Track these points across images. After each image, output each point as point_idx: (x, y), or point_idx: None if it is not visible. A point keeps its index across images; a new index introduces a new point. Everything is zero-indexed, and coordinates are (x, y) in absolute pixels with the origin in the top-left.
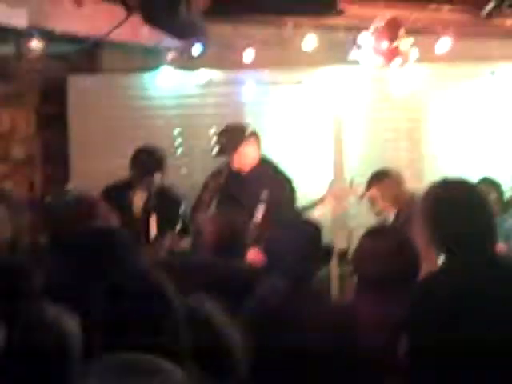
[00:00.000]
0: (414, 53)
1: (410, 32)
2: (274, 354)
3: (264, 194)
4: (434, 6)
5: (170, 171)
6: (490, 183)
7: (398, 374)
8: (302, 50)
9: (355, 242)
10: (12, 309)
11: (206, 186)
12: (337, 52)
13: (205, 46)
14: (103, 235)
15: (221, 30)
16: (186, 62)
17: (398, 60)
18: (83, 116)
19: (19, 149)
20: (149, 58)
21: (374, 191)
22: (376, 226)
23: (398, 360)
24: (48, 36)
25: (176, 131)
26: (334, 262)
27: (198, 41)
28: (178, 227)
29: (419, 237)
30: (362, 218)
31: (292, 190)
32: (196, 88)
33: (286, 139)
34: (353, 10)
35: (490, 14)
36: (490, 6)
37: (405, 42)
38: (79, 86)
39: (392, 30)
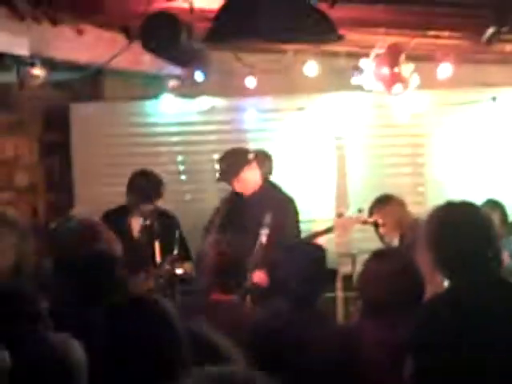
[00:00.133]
0: (415, 79)
1: (411, 58)
2: (276, 375)
3: (268, 217)
4: (433, 32)
5: (173, 197)
6: (493, 205)
7: None
8: (304, 76)
9: (359, 267)
10: (17, 334)
11: (217, 210)
12: (338, 78)
13: (206, 73)
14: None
15: (222, 57)
16: (188, 90)
17: (398, 86)
18: (86, 143)
19: (22, 176)
20: (150, 86)
21: (377, 216)
22: (380, 249)
23: (403, 382)
24: (50, 64)
25: (179, 158)
26: (338, 286)
27: (199, 68)
28: (176, 251)
29: (423, 260)
30: (366, 243)
31: (296, 212)
32: (198, 115)
33: (289, 165)
34: (353, 37)
35: (489, 40)
36: (490, 31)
37: (406, 68)
38: (81, 114)
39: (393, 56)
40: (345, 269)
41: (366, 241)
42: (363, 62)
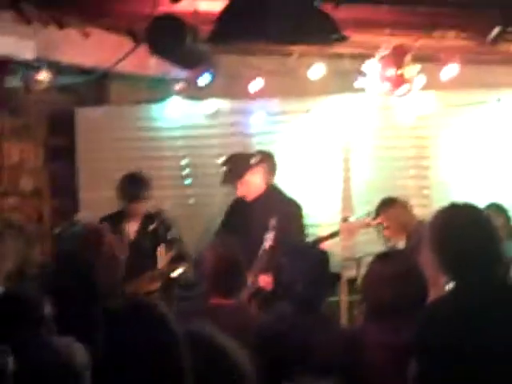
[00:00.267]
0: (421, 80)
1: (416, 59)
2: (279, 378)
3: (273, 221)
4: (439, 32)
5: (178, 201)
6: (497, 209)
7: None
8: (309, 79)
9: (364, 270)
10: (21, 338)
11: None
12: (344, 81)
13: (213, 75)
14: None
15: (228, 60)
16: (194, 93)
17: (404, 87)
18: (91, 148)
19: (28, 181)
20: (156, 89)
21: (382, 219)
22: (384, 251)
23: None
24: (56, 68)
25: (184, 161)
26: (343, 290)
27: (205, 71)
28: (173, 252)
29: (427, 262)
30: (371, 246)
31: (301, 216)
32: (204, 118)
33: (294, 168)
34: (358, 38)
35: (495, 40)
36: (495, 31)
37: (411, 69)
38: (87, 118)
39: (398, 57)
40: (349, 272)
41: (371, 244)
42: (368, 64)
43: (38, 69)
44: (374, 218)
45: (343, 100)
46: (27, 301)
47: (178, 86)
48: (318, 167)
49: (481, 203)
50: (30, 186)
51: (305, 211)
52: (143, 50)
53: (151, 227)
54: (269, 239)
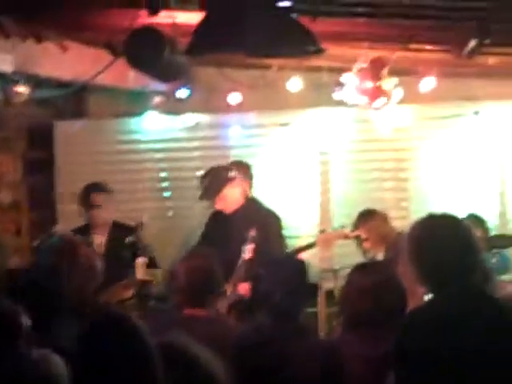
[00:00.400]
0: (398, 93)
1: (393, 73)
2: None
3: (252, 232)
4: (415, 45)
5: (157, 214)
6: (475, 220)
7: None
8: (288, 92)
9: (342, 282)
10: None
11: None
12: (322, 94)
13: (191, 89)
14: None
15: (206, 73)
16: (172, 107)
17: (382, 100)
18: (70, 161)
19: (6, 194)
20: (135, 103)
21: (361, 231)
22: (363, 262)
23: None
24: (34, 81)
25: (163, 174)
26: (321, 302)
27: (183, 84)
28: (142, 259)
29: (405, 273)
30: (349, 258)
31: (280, 227)
32: (182, 132)
33: (273, 181)
34: (336, 51)
35: (471, 53)
36: (472, 45)
37: (388, 82)
38: (65, 131)
39: (375, 69)
40: (327, 284)
41: (349, 256)
42: (346, 76)
43: (16, 82)
44: (353, 230)
45: (321, 113)
46: (4, 313)
47: (156, 100)
48: (296, 180)
49: (459, 215)
50: (8, 199)
51: (284, 223)
52: (122, 62)
53: (129, 239)
54: (248, 250)
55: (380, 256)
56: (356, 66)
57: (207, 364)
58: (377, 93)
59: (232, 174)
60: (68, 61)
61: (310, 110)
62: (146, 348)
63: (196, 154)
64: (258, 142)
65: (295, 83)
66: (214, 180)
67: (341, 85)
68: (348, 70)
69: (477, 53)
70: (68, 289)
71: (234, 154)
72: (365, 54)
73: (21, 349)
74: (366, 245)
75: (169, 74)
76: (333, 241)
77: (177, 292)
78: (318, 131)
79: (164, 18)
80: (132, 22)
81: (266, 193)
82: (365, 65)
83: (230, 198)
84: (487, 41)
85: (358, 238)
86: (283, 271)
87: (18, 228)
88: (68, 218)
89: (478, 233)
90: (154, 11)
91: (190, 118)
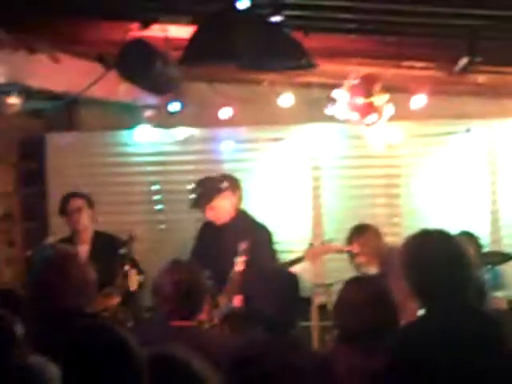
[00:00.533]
0: (390, 109)
1: (385, 89)
2: None
3: (243, 245)
4: (407, 63)
5: (148, 227)
6: (468, 237)
7: None
8: (279, 107)
9: (334, 297)
10: None
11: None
12: (314, 110)
13: (183, 103)
14: None
15: (198, 87)
16: (164, 120)
17: (373, 116)
18: (61, 173)
19: None
20: (126, 116)
21: (354, 245)
22: (355, 276)
23: None
24: (26, 92)
25: (155, 187)
26: (314, 315)
27: (175, 98)
28: (127, 267)
29: (398, 287)
30: (342, 273)
31: (271, 240)
32: (174, 145)
33: (264, 196)
34: (327, 67)
35: (463, 70)
36: (463, 62)
37: (380, 98)
38: (57, 144)
39: (367, 85)
40: (320, 298)
41: (342, 271)
42: (337, 92)
43: (8, 93)
44: (348, 244)
45: (313, 129)
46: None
47: (148, 113)
48: (288, 195)
49: (452, 231)
50: (0, 211)
51: (276, 237)
52: (113, 75)
53: (123, 251)
54: (239, 263)
55: (373, 270)
56: (347, 82)
57: (203, 374)
58: (368, 109)
59: (223, 185)
60: (60, 73)
61: (302, 126)
62: (133, 359)
63: (188, 167)
64: (250, 157)
65: (287, 99)
66: (206, 189)
67: (333, 100)
68: (339, 86)
69: (468, 71)
70: (60, 300)
71: (226, 169)
72: (356, 71)
73: (15, 356)
74: (359, 259)
75: (160, 87)
76: (321, 255)
77: (163, 303)
78: (309, 147)
79: (156, 31)
80: (124, 35)
81: (258, 207)
82: (356, 81)
83: (221, 208)
84: (478, 59)
85: (350, 252)
86: (276, 285)
87: (11, 239)
88: (60, 229)
89: (470, 249)
90: (145, 24)
91: (182, 132)
